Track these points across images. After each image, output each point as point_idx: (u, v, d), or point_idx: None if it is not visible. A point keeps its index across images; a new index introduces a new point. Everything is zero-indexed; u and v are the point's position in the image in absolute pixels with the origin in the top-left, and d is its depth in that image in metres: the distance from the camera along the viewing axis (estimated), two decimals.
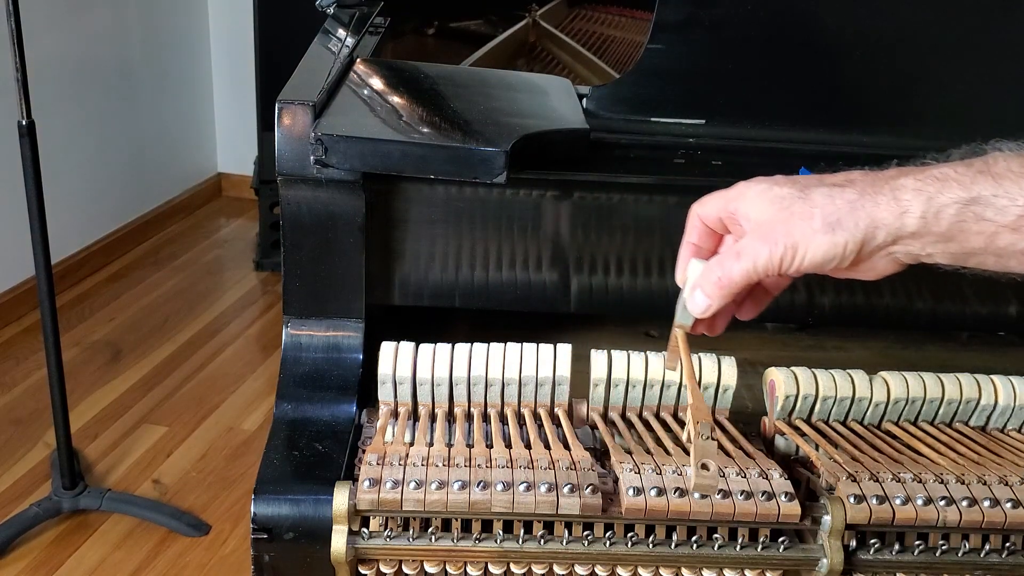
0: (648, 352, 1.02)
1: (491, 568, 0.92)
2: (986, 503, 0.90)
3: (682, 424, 1.01)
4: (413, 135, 1.06)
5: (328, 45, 1.34)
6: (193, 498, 2.28)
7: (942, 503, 0.90)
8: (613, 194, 1.11)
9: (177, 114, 3.80)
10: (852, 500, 0.90)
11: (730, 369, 1.01)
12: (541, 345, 1.01)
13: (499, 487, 0.89)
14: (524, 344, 1.01)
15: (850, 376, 1.03)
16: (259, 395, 2.71)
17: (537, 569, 0.92)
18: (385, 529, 0.91)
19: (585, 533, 0.91)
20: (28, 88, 1.89)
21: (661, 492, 0.89)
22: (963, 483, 0.92)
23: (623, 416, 1.02)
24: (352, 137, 0.99)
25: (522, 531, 0.91)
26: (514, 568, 0.91)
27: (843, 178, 0.77)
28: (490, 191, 1.09)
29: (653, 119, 1.20)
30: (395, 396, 1.01)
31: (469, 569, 0.92)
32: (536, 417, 1.00)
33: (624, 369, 1.01)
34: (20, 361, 2.80)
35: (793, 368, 1.03)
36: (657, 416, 1.02)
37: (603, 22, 1.96)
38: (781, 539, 0.91)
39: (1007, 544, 0.94)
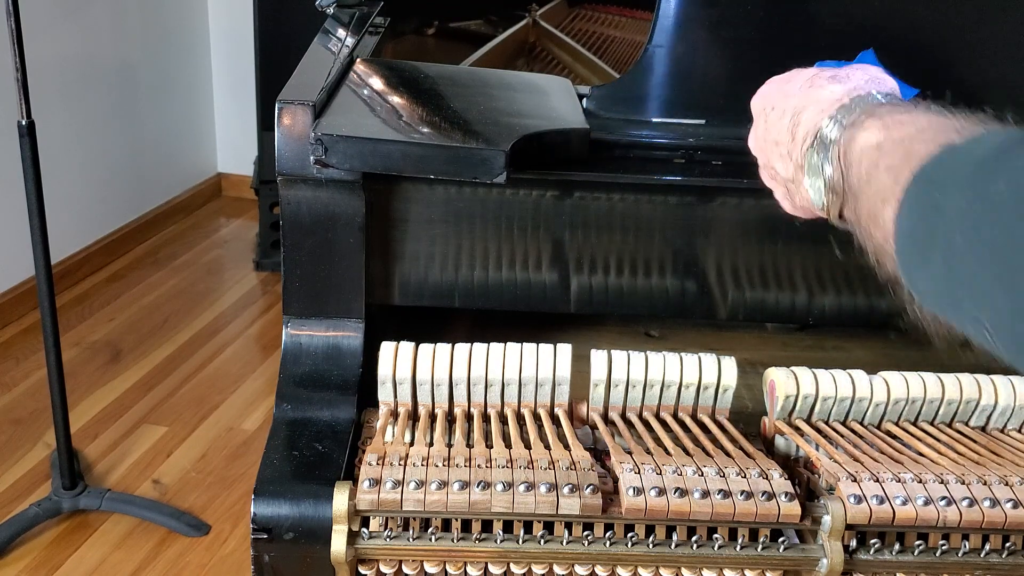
0: (648, 352, 1.02)
1: (491, 568, 0.92)
2: (986, 503, 0.90)
3: (682, 424, 1.01)
4: (413, 135, 1.05)
5: (328, 45, 1.34)
6: (193, 498, 2.27)
7: (942, 503, 0.90)
8: (613, 194, 1.11)
9: (177, 114, 3.80)
10: (852, 500, 0.90)
11: (730, 369, 1.01)
12: (541, 345, 1.00)
13: (499, 487, 0.89)
14: (524, 344, 1.01)
15: (850, 376, 1.03)
16: (259, 395, 2.70)
17: (537, 569, 0.92)
18: (385, 529, 0.91)
19: (585, 533, 0.91)
20: (28, 88, 1.89)
21: (661, 492, 0.89)
22: (963, 483, 0.92)
23: (623, 416, 1.02)
24: (352, 137, 0.98)
25: (522, 531, 0.91)
26: (514, 568, 0.91)
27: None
28: (490, 191, 1.09)
29: (653, 119, 1.20)
30: (395, 396, 1.01)
31: (469, 569, 0.92)
32: (536, 417, 1.00)
33: (624, 369, 1.00)
34: (20, 361, 2.80)
35: (793, 368, 1.03)
36: (657, 416, 1.02)
37: (603, 22, 1.95)
38: (781, 539, 0.91)
39: (1007, 544, 0.93)
